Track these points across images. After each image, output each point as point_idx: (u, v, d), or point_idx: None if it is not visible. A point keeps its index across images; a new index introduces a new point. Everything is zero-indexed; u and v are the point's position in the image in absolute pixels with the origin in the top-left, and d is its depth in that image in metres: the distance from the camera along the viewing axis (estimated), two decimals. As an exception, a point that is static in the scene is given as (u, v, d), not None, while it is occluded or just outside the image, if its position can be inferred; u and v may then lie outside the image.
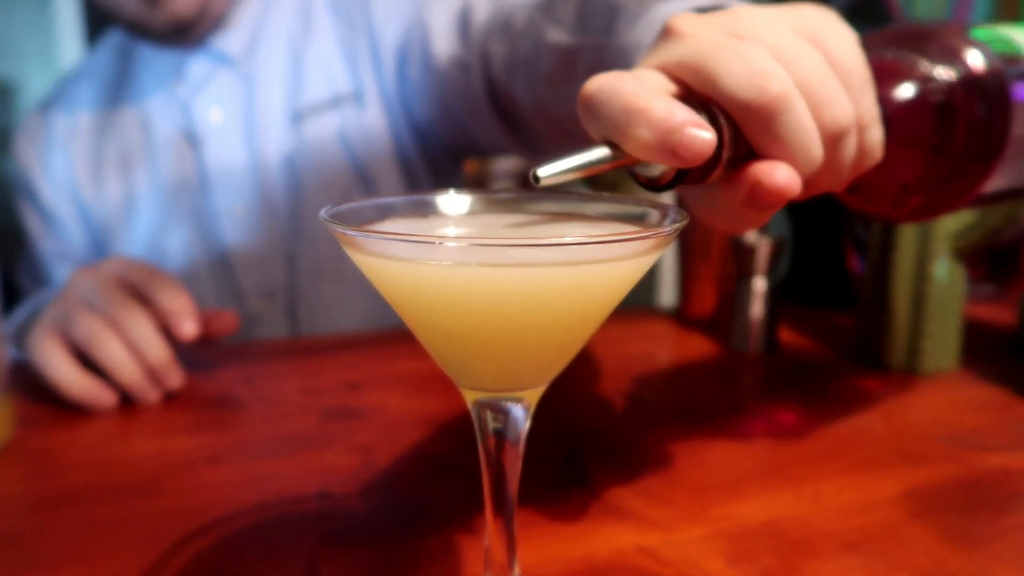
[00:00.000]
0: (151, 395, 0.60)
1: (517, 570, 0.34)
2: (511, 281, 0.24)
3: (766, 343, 0.73)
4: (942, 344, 0.67)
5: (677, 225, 0.26)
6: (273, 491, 0.48)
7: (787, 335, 0.79)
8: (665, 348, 0.78)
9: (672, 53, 0.34)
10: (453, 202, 0.33)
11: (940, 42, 0.39)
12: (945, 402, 0.62)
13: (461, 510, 0.45)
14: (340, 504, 0.46)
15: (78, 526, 0.44)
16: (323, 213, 0.26)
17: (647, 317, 0.88)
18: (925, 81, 0.38)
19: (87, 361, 0.60)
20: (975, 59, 0.39)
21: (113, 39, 0.97)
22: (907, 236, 0.66)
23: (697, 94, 0.33)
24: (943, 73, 0.39)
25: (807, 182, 0.35)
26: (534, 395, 0.30)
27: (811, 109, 0.33)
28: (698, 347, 0.77)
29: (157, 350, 0.59)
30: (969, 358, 0.69)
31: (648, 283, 1.95)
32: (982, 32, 0.40)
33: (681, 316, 0.86)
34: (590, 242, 0.23)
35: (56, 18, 1.58)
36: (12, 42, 1.60)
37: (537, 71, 0.65)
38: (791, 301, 0.90)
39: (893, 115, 0.37)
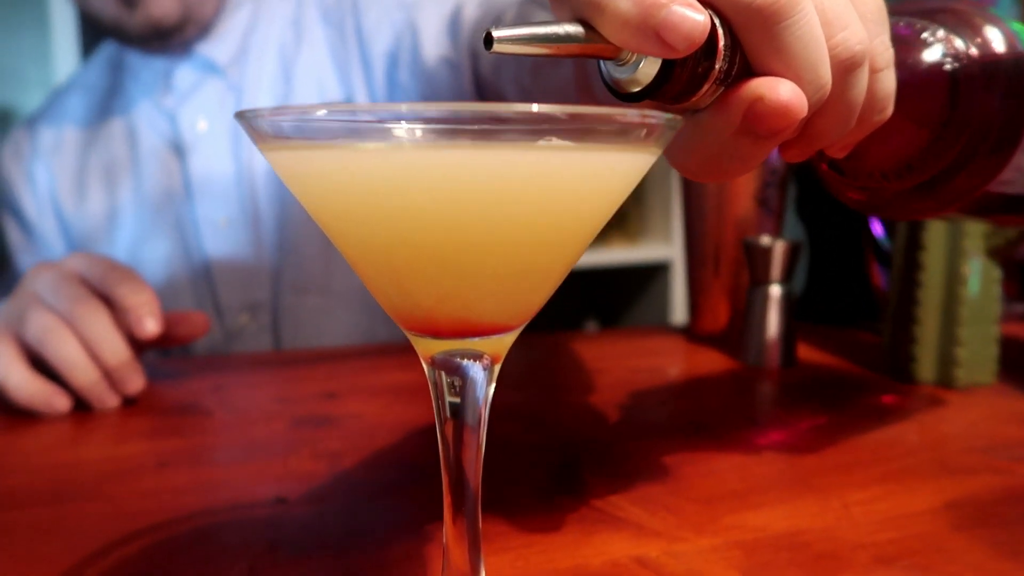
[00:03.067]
0: (108, 400, 0.55)
1: (483, 572, 0.28)
2: (457, 167, 0.19)
3: (783, 355, 0.68)
4: (978, 354, 0.61)
5: (668, 117, 0.21)
6: (223, 497, 0.42)
7: (806, 351, 0.73)
8: (673, 362, 0.73)
9: None
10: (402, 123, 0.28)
11: (961, 17, 0.36)
12: (984, 414, 0.56)
13: (431, 518, 0.39)
14: (296, 510, 0.40)
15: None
16: (237, 112, 0.22)
17: (655, 333, 0.82)
18: (941, 49, 0.35)
19: (43, 364, 0.55)
20: (996, 37, 0.35)
21: (105, 52, 0.95)
22: (936, 234, 0.60)
23: None
24: (961, 45, 0.35)
25: (811, 124, 0.31)
26: (495, 348, 0.25)
27: (822, 28, 0.28)
28: (709, 361, 0.71)
29: (115, 350, 0.54)
30: (1007, 374, 0.63)
31: (660, 302, 1.90)
32: (1009, 22, 0.36)
33: (692, 333, 0.80)
34: (561, 111, 0.18)
35: (55, 44, 1.58)
36: (12, 68, 1.60)
37: (522, 61, 0.62)
38: (810, 320, 0.84)
39: (903, 81, 0.33)
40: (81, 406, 0.56)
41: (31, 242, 0.90)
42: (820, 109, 0.30)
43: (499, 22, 0.71)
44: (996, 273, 0.60)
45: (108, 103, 0.91)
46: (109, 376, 0.55)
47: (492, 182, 0.19)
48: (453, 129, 0.18)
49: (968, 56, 0.35)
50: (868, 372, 0.66)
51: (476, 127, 0.18)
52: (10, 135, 0.94)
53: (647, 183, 1.87)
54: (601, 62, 0.27)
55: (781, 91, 0.26)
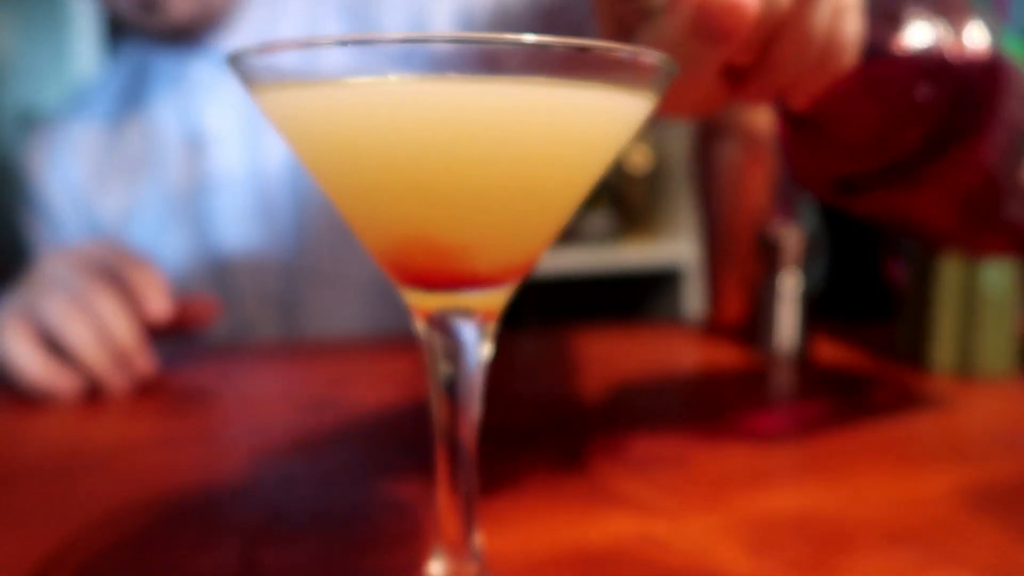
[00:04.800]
0: (118, 381, 0.55)
1: (478, 540, 0.28)
2: (447, 102, 0.18)
3: (799, 346, 0.66)
4: (997, 344, 0.59)
5: (663, 58, 0.21)
6: (227, 473, 0.42)
7: (823, 343, 0.72)
8: (688, 355, 0.72)
9: None
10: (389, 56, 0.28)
11: (951, 9, 0.36)
12: (1003, 403, 0.54)
13: (431, 498, 0.39)
14: (298, 487, 0.40)
15: None
16: (227, 55, 0.21)
17: (671, 327, 0.81)
18: (923, 32, 0.35)
19: (56, 347, 0.56)
20: (977, 35, 0.35)
21: (129, 54, 0.96)
22: (954, 221, 0.59)
23: None
24: (943, 33, 0.35)
25: (768, 52, 0.29)
26: (488, 304, 0.24)
27: None
28: (724, 352, 0.70)
29: (126, 331, 0.55)
30: (1029, 366, 0.61)
31: (673, 304, 1.88)
32: (996, 25, 0.37)
33: (709, 326, 0.79)
34: (552, 44, 0.18)
35: (73, 42, 1.60)
36: (31, 66, 1.62)
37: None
38: (828, 315, 0.83)
39: (882, 57, 0.33)
40: (92, 389, 0.56)
41: (54, 237, 0.91)
42: (777, 35, 0.29)
43: (509, 15, 0.70)
44: (1016, 262, 0.59)
45: (130, 101, 0.92)
46: (120, 357, 0.55)
47: (480, 117, 0.19)
48: (444, 63, 0.18)
49: (945, 47, 0.35)
50: (885, 363, 0.65)
51: (466, 60, 0.18)
52: (35, 133, 0.96)
53: (661, 183, 1.85)
54: None
55: None
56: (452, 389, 0.26)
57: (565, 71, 0.19)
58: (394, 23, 0.86)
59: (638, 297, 2.01)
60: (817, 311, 0.68)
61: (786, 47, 0.29)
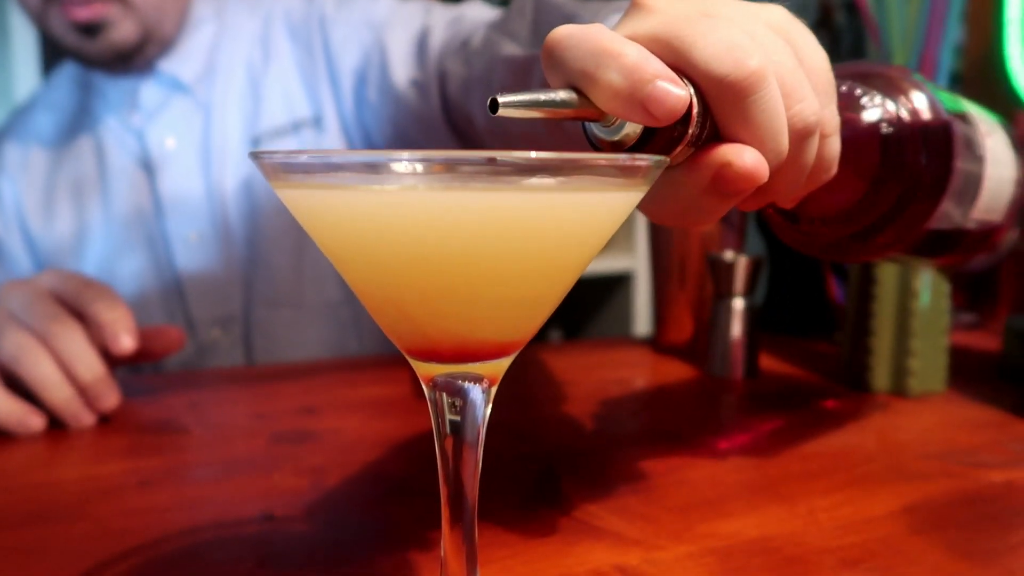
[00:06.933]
0: (83, 418, 0.55)
1: (478, 583, 0.29)
2: (465, 207, 0.20)
3: (747, 366, 0.70)
4: (930, 363, 0.64)
5: (656, 159, 0.23)
6: (209, 515, 0.43)
7: (768, 361, 0.75)
8: (641, 374, 0.75)
9: (642, 25, 0.31)
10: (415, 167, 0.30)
11: (893, 82, 0.40)
12: (937, 421, 0.59)
13: (419, 530, 0.40)
14: (284, 527, 0.41)
15: (-20, 554, 0.38)
16: (251, 151, 0.23)
17: (622, 345, 0.84)
18: (876, 112, 0.39)
19: (16, 383, 0.55)
20: (921, 102, 0.39)
21: (70, 71, 0.94)
22: (889, 250, 0.63)
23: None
24: (892, 108, 0.39)
25: (767, 182, 0.34)
26: (494, 371, 0.26)
27: (782, 100, 0.31)
28: (675, 373, 0.73)
29: (90, 366, 0.54)
30: (956, 382, 0.66)
31: (623, 312, 1.93)
32: (930, 86, 0.41)
33: (657, 344, 0.82)
34: (560, 159, 0.20)
35: (15, 60, 1.55)
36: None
37: (491, 86, 0.64)
38: (771, 331, 0.87)
39: (844, 139, 0.37)
40: (56, 424, 0.55)
41: (-1, 263, 0.89)
42: (776, 170, 0.33)
43: (466, 47, 0.72)
44: (945, 287, 0.63)
45: (76, 121, 0.90)
46: (84, 393, 0.55)
47: (496, 221, 0.20)
48: (461, 172, 0.20)
49: (898, 119, 0.39)
50: (827, 381, 0.69)
51: (482, 170, 0.20)
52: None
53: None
54: (586, 122, 0.29)
55: (746, 158, 0.29)
56: (458, 438, 0.28)
57: (572, 176, 0.21)
58: (346, 47, 0.87)
59: (588, 304, 2.05)
60: (760, 327, 0.72)
61: (783, 179, 0.33)
